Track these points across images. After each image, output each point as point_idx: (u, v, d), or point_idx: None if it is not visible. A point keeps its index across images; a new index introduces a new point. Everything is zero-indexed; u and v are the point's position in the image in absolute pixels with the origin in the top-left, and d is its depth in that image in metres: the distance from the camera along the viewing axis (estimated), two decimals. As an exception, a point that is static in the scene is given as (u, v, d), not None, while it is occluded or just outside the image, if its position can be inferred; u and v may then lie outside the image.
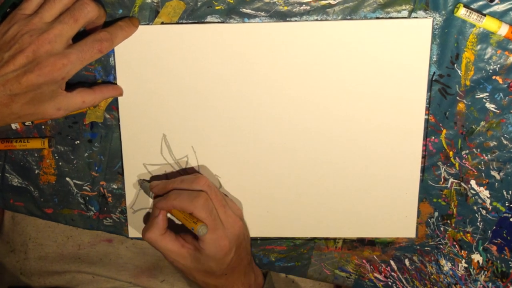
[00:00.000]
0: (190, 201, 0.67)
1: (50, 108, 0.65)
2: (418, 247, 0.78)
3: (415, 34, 0.69)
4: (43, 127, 0.76)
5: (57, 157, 0.77)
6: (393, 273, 0.80)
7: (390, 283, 0.80)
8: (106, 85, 0.71)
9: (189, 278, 0.73)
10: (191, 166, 0.75)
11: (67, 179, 0.78)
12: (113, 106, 0.74)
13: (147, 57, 0.72)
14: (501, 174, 0.74)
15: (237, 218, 0.71)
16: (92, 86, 0.69)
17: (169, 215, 0.71)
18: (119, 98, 0.73)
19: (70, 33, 0.64)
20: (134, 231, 0.79)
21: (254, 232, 0.78)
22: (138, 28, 0.70)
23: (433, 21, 0.69)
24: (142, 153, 0.75)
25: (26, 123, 0.74)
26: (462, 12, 0.68)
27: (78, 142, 0.76)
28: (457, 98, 0.72)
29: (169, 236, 0.70)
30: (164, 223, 0.70)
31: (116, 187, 0.78)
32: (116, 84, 0.72)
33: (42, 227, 0.83)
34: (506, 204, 0.75)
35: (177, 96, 0.73)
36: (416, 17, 0.69)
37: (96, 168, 0.77)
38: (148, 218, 0.76)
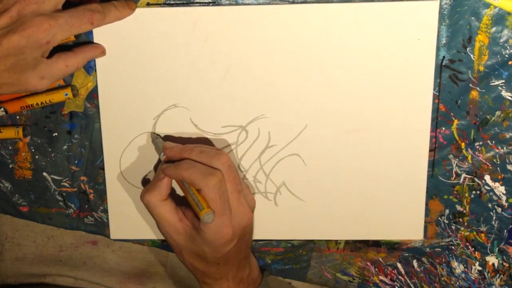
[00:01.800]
0: (202, 177, 0.65)
1: (32, 78, 0.64)
2: (427, 248, 0.78)
3: (421, 17, 0.69)
4: (17, 117, 0.75)
5: (33, 150, 0.76)
6: (400, 277, 0.79)
7: (397, 287, 0.80)
8: (87, 45, 0.70)
9: (178, 256, 0.72)
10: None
11: (44, 174, 0.77)
12: (95, 94, 0.74)
13: (129, 42, 0.71)
14: (518, 168, 0.74)
15: (248, 209, 0.69)
16: (72, 49, 0.68)
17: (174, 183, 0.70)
18: (99, 87, 0.73)
19: None
20: (116, 232, 0.78)
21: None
22: (134, 12, 0.70)
23: (441, 1, 0.69)
24: (124, 146, 0.75)
25: (-1, 113, 0.74)
26: (477, -11, 0.68)
27: (56, 133, 0.76)
28: (470, 85, 0.71)
29: (169, 205, 0.68)
30: (167, 188, 0.68)
31: (98, 183, 0.77)
32: (97, 43, 0.71)
33: (19, 226, 0.82)
34: (524, 201, 0.75)
35: (162, 83, 0.73)
36: (423, -3, 0.70)
37: (76, 162, 0.76)
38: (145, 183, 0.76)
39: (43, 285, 0.83)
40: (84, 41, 0.71)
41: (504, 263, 0.77)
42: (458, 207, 0.76)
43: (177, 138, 0.74)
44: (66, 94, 0.72)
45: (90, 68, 0.73)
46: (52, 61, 0.65)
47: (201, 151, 0.68)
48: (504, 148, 0.73)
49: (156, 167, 0.76)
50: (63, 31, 0.63)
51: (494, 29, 0.69)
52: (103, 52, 0.71)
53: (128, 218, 0.78)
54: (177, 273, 0.82)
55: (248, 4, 0.70)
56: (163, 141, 0.72)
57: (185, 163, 0.67)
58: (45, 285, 0.83)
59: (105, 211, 0.78)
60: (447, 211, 0.76)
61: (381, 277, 0.80)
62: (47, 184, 0.77)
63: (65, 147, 0.76)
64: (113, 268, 0.83)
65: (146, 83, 0.73)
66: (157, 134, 0.74)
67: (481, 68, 0.71)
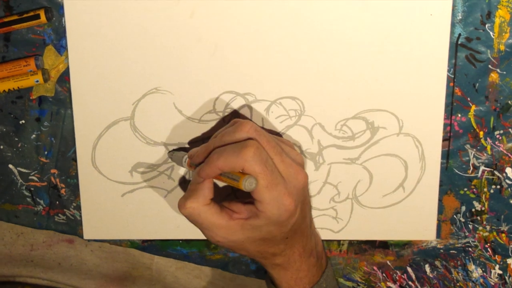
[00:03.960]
0: (237, 155, 0.63)
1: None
2: (441, 250, 0.78)
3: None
4: (-20, 103, 0.75)
5: (-3, 140, 0.76)
6: (410, 282, 0.79)
7: (407, 294, 0.80)
8: None
9: (239, 252, 0.71)
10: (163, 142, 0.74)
11: (10, 166, 0.77)
12: (66, 77, 0.73)
13: (105, 17, 0.71)
14: (543, 159, 0.73)
15: (298, 167, 0.66)
16: None
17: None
18: (71, 68, 0.73)
19: None
20: (90, 232, 0.78)
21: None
22: None
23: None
24: (99, 135, 0.75)
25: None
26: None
27: (24, 121, 0.75)
28: (489, 66, 0.71)
29: (214, 208, 0.66)
30: (210, 191, 0.66)
31: (70, 176, 0.77)
32: None
33: (-16, 222, 0.82)
34: (550, 197, 0.74)
35: (143, 64, 0.72)
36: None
37: (46, 153, 0.76)
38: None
39: (14, 283, 0.83)
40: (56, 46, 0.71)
41: (528, 267, 0.77)
42: (476, 204, 0.76)
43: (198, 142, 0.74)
44: (37, 81, 0.72)
45: (61, 47, 0.73)
46: None
47: (222, 134, 0.67)
48: (528, 137, 0.73)
49: (136, 158, 0.76)
50: None
51: (516, 2, 0.69)
52: None
53: (103, 215, 0.77)
54: (165, 277, 0.82)
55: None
56: (184, 152, 0.72)
57: (213, 153, 0.65)
58: (16, 284, 0.83)
59: (78, 207, 0.78)
60: (463, 208, 0.76)
61: (389, 283, 0.80)
62: (13, 178, 0.77)
63: (34, 136, 0.76)
64: (91, 270, 0.82)
65: (124, 64, 0.72)
66: (172, 151, 0.75)
67: (502, 47, 0.71)
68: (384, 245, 0.78)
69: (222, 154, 0.64)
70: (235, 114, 0.73)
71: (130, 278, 0.82)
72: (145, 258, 0.81)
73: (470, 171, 0.74)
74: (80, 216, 0.78)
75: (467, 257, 0.77)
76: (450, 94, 0.72)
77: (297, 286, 0.72)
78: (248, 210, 0.66)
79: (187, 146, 0.74)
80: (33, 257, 0.82)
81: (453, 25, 0.70)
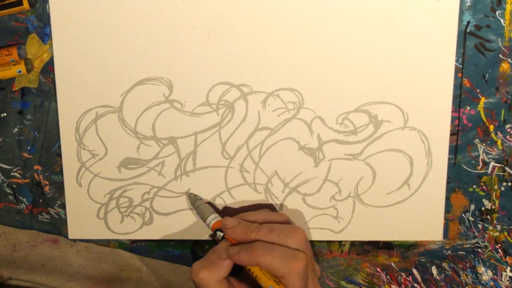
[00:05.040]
0: (285, 263, 0.65)
1: None
2: (449, 251, 0.77)
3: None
4: (-42, 94, 0.74)
5: (-23, 134, 0.75)
6: (416, 285, 0.79)
7: (412, 298, 0.79)
8: None
9: None
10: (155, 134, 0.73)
11: None
12: (51, 67, 0.73)
13: (92, 3, 0.70)
14: (558, 155, 0.73)
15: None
16: None
17: None
18: (55, 57, 0.72)
19: None
20: (75, 231, 0.77)
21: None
22: None
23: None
24: (85, 128, 0.74)
25: None
26: None
27: (5, 114, 0.75)
28: (500, 56, 0.71)
29: (224, 285, 0.68)
30: (227, 271, 0.68)
31: (55, 172, 0.76)
32: None
33: (-37, 221, 0.82)
34: None
35: (132, 53, 0.72)
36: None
37: (29, 148, 0.76)
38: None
39: None
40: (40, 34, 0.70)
41: (541, 269, 0.76)
42: (486, 202, 0.75)
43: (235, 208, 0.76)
44: (20, 71, 0.71)
45: (45, 35, 0.72)
46: None
47: (270, 229, 0.69)
48: (541, 131, 0.73)
49: (126, 153, 0.75)
50: None
51: (529, -13, 0.69)
52: None
53: (90, 214, 0.77)
54: (155, 279, 0.82)
55: None
56: (217, 215, 0.73)
57: (259, 247, 0.67)
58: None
59: (63, 206, 0.77)
60: (472, 207, 0.75)
61: (393, 286, 0.79)
62: (-6, 175, 0.76)
63: (16, 130, 0.75)
64: (77, 272, 0.82)
65: (112, 53, 0.72)
66: (195, 194, 0.76)
67: (514, 36, 0.70)
68: (388, 246, 0.77)
69: (270, 253, 0.66)
70: (231, 108, 0.72)
71: (118, 280, 0.82)
72: (134, 260, 0.81)
73: (480, 167, 0.74)
74: (65, 215, 0.77)
75: (476, 259, 0.77)
76: (458, 85, 0.72)
77: None
78: None
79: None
80: (16, 258, 0.81)
81: (461, 12, 0.70)
